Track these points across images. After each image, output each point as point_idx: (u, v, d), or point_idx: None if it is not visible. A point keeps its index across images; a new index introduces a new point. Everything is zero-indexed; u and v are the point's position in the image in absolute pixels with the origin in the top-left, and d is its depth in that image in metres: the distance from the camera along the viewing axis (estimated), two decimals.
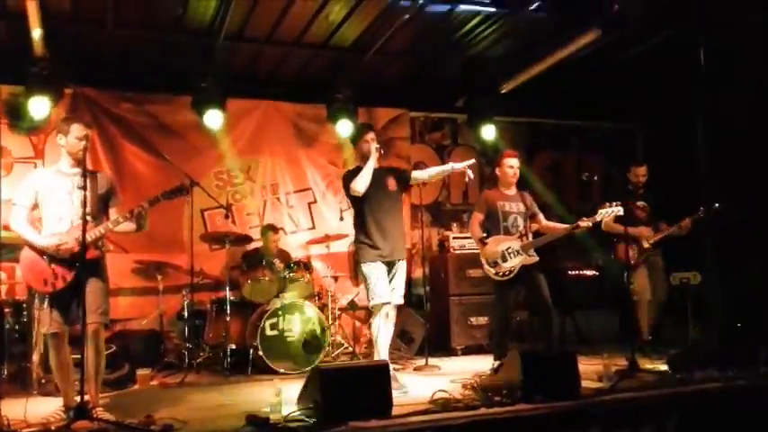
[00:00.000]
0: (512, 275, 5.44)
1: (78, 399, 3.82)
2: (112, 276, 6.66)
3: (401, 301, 5.26)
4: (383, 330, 5.07)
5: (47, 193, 4.23)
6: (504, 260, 5.46)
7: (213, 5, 5.87)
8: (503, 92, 7.63)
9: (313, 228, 7.69)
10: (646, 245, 6.19)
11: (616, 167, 7.00)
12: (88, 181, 4.23)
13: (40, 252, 4.13)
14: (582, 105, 8.22)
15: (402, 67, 7.47)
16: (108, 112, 6.96)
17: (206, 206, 7.06)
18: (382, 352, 5.06)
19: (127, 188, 6.82)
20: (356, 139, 5.51)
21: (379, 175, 5.20)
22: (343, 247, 7.63)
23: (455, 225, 7.79)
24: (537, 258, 5.49)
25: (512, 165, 5.71)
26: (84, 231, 3.92)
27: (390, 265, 5.14)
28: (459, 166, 5.36)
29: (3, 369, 5.46)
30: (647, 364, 5.29)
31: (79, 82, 6.60)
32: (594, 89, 7.68)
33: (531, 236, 5.62)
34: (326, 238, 7.03)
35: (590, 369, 4.95)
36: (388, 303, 5.06)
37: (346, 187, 5.24)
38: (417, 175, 5.60)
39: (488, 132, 7.83)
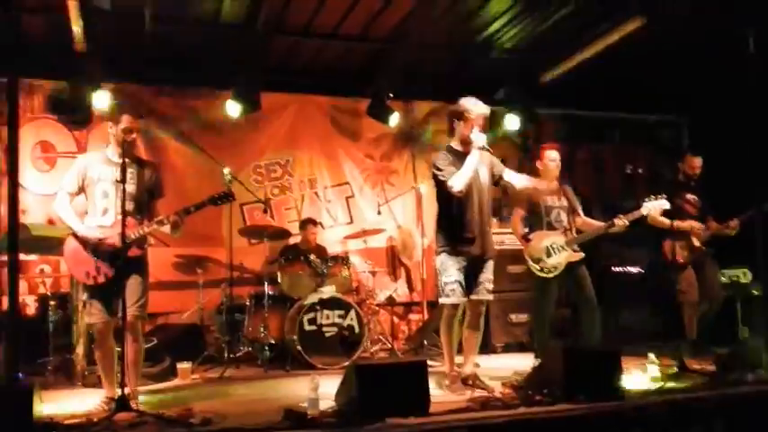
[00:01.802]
0: (557, 272, 5.31)
1: (119, 391, 3.86)
2: (153, 270, 6.72)
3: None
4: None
5: (92, 180, 4.21)
6: (549, 256, 5.34)
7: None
8: (543, 82, 7.49)
9: (351, 222, 7.68)
10: (696, 243, 5.79)
11: (663, 159, 6.76)
12: (136, 171, 4.29)
13: (84, 243, 4.14)
14: (625, 97, 7.98)
15: (440, 59, 7.38)
16: (148, 107, 7.02)
17: (245, 201, 7.08)
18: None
19: (166, 183, 6.65)
20: (456, 116, 4.69)
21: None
22: (381, 241, 7.62)
23: (494, 220, 7.64)
24: (582, 254, 5.36)
25: (553, 158, 5.57)
26: (123, 229, 3.91)
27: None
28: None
29: (48, 361, 5.57)
30: (694, 365, 5.12)
31: (119, 77, 6.66)
32: (638, 80, 7.47)
33: (575, 231, 5.49)
34: (364, 233, 6.99)
35: (635, 368, 4.82)
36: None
37: (438, 179, 4.59)
38: (509, 178, 4.82)
39: (512, 120, 7.66)
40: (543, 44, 7.00)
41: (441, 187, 4.62)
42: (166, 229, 4.24)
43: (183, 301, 6.80)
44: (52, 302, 5.69)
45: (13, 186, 2.23)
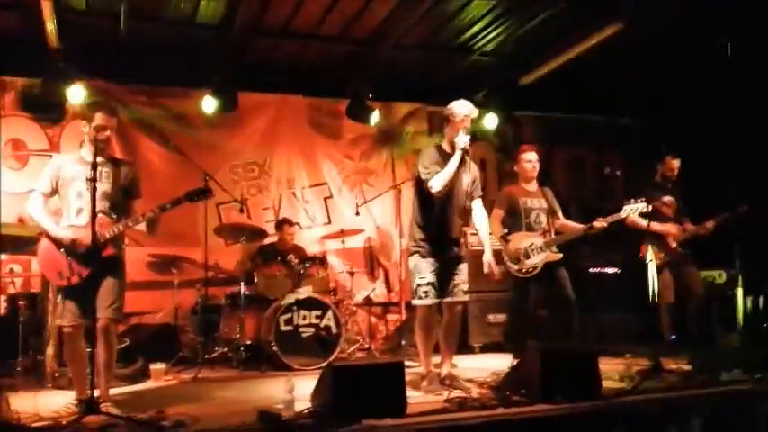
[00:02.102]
0: (535, 272, 5.32)
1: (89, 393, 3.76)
2: (127, 270, 6.74)
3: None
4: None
5: (66, 180, 4.11)
6: (528, 257, 5.34)
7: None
8: (521, 84, 7.50)
9: (329, 223, 7.63)
10: (672, 244, 5.87)
11: (638, 162, 6.79)
12: (111, 170, 4.19)
13: (58, 244, 4.04)
14: (602, 100, 8.04)
15: (418, 61, 7.36)
16: (124, 105, 6.90)
17: (221, 200, 7.00)
18: None
19: (142, 182, 6.77)
20: (445, 119, 4.73)
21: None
22: (360, 242, 7.58)
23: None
24: (561, 255, 5.38)
25: (530, 159, 5.58)
26: (93, 229, 3.78)
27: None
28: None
29: (17, 362, 5.44)
30: (671, 365, 5.14)
31: (93, 74, 6.54)
32: (614, 84, 7.52)
33: (554, 232, 5.50)
34: (342, 234, 6.94)
35: (611, 369, 4.81)
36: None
37: (421, 176, 4.59)
38: (476, 208, 4.79)
39: (491, 122, 7.67)
40: (522, 48, 7.04)
41: (422, 185, 4.61)
42: (142, 227, 4.15)
43: (157, 302, 6.71)
44: (22, 302, 5.55)
45: None
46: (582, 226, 5.44)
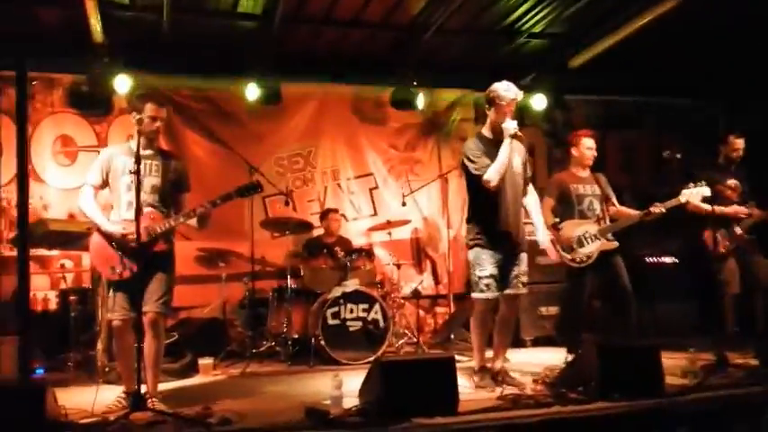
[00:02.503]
0: (590, 262, 5.11)
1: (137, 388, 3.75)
2: (176, 264, 6.79)
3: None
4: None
5: (116, 173, 4.08)
6: (582, 245, 5.15)
7: None
8: (572, 67, 7.22)
9: (375, 214, 7.51)
10: (738, 231, 5.43)
11: (698, 145, 6.45)
12: (161, 163, 4.15)
13: (108, 238, 4.02)
14: (657, 81, 7.68)
15: (463, 46, 7.15)
16: (168, 99, 6.88)
17: (267, 193, 6.88)
18: None
19: (190, 176, 6.81)
20: (487, 102, 4.48)
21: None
22: (406, 233, 7.45)
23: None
24: (616, 243, 5.16)
25: (590, 146, 5.37)
26: (137, 224, 3.73)
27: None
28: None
29: (68, 357, 5.50)
30: (736, 359, 4.87)
31: (138, 68, 6.54)
32: (671, 64, 7.18)
33: (608, 219, 5.27)
34: (388, 225, 6.81)
35: (672, 364, 4.57)
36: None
37: (470, 171, 4.39)
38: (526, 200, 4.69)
39: (540, 105, 7.39)
40: (572, 27, 6.74)
41: (472, 178, 4.43)
42: (193, 222, 4.13)
43: (205, 296, 6.71)
44: (73, 297, 5.61)
45: (23, 179, 2.12)
46: (638, 212, 5.21)
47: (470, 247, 4.51)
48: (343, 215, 7.25)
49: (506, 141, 4.32)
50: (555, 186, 5.37)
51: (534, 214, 4.69)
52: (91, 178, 4.11)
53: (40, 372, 5.32)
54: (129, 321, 4.01)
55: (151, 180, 4.04)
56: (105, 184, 4.12)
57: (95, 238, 4.07)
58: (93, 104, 6.44)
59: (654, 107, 8.39)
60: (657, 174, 8.18)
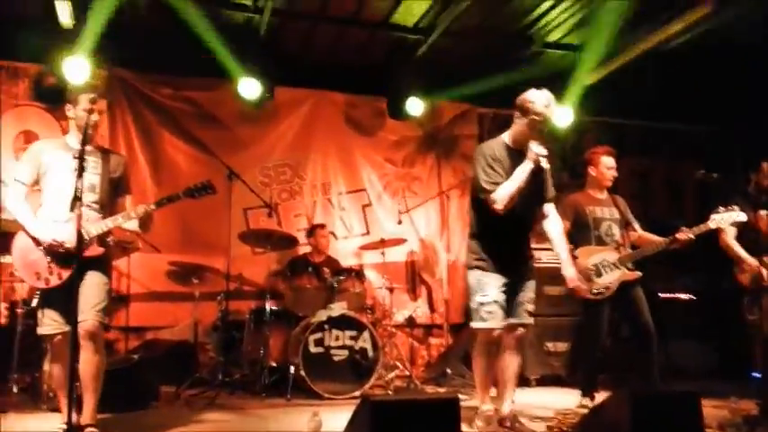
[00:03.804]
0: (608, 293, 4.52)
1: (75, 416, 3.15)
2: (144, 279, 6.14)
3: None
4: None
5: (49, 168, 3.62)
6: (599, 275, 4.57)
7: None
8: (587, 84, 6.69)
9: (367, 233, 6.90)
10: None
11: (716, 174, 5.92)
12: (100, 160, 3.71)
13: (36, 240, 3.52)
14: (676, 105, 7.18)
15: (469, 56, 6.61)
16: (145, 98, 6.39)
17: (249, 205, 6.35)
18: None
19: (163, 181, 6.28)
20: (518, 109, 3.90)
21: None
22: (401, 255, 6.86)
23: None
24: (639, 273, 4.58)
25: (610, 165, 4.83)
26: (78, 225, 3.19)
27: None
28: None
29: (12, 379, 4.83)
30: None
31: (111, 61, 5.97)
32: (693, 86, 6.69)
33: (629, 246, 4.69)
34: (382, 244, 6.16)
35: (708, 413, 3.90)
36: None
37: (481, 182, 3.83)
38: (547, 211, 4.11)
39: (565, 117, 6.79)
40: (590, 36, 6.23)
41: (480, 190, 3.86)
42: (133, 225, 3.63)
43: (176, 315, 6.09)
44: (20, 311, 4.93)
45: None
46: (663, 239, 4.63)
47: (471, 268, 3.93)
48: (332, 233, 6.66)
49: (527, 165, 3.78)
50: (569, 208, 4.80)
51: (559, 245, 4.10)
52: (20, 175, 3.64)
53: None
54: (65, 337, 3.46)
55: (88, 178, 3.54)
56: (37, 181, 3.65)
57: (21, 239, 3.56)
58: (60, 98, 5.82)
59: (670, 132, 7.88)
60: (671, 203, 7.68)
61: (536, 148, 3.78)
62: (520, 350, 4.00)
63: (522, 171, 3.77)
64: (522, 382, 5.78)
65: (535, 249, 6.20)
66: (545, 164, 3.83)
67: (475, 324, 3.87)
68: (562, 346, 6.00)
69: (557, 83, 6.82)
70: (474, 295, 3.87)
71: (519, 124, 3.91)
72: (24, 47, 5.81)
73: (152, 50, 6.10)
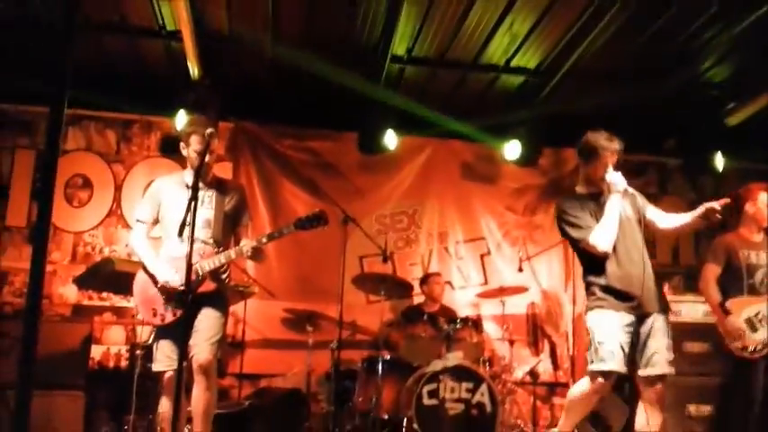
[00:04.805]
0: (764, 351, 3.99)
1: None
2: (260, 326, 6.14)
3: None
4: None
5: (167, 206, 3.68)
6: (754, 330, 4.07)
7: (382, 13, 5.09)
8: (729, 125, 6.14)
9: (485, 283, 6.60)
10: None
11: None
12: (214, 195, 3.72)
13: (153, 278, 3.57)
14: None
15: (600, 95, 6.24)
16: (268, 148, 6.55)
17: (365, 252, 6.26)
18: None
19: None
20: (584, 154, 3.72)
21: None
22: (521, 307, 6.48)
23: (665, 286, 6.28)
24: None
25: None
26: (189, 265, 3.07)
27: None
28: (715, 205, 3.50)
29: (128, 420, 4.88)
30: None
31: (239, 115, 6.18)
32: None
33: None
34: (501, 291, 5.85)
35: None
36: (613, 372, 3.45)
37: (571, 235, 3.64)
38: (652, 216, 3.72)
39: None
40: (737, 75, 5.71)
41: (576, 244, 3.65)
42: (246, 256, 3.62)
43: (290, 363, 6.00)
44: (139, 352, 5.02)
45: (43, 227, 1.66)
46: None
47: (590, 310, 3.59)
48: (448, 282, 6.43)
49: (615, 197, 3.53)
50: (721, 250, 4.34)
51: (677, 218, 3.71)
52: (141, 214, 3.75)
53: None
54: (175, 373, 3.40)
55: (203, 213, 3.57)
56: (157, 220, 3.73)
57: (140, 277, 3.63)
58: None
59: None
60: None
61: (614, 178, 3.53)
62: (660, 407, 3.51)
63: (613, 206, 3.51)
64: None
65: (674, 302, 5.75)
66: (628, 187, 3.55)
67: (593, 366, 3.51)
68: (706, 410, 5.30)
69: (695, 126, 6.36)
70: (593, 336, 3.54)
71: (587, 169, 3.71)
72: (154, 101, 6.13)
73: (273, 102, 6.29)
